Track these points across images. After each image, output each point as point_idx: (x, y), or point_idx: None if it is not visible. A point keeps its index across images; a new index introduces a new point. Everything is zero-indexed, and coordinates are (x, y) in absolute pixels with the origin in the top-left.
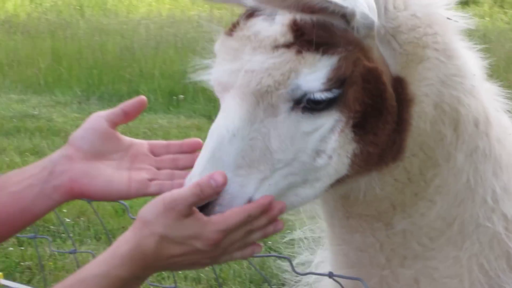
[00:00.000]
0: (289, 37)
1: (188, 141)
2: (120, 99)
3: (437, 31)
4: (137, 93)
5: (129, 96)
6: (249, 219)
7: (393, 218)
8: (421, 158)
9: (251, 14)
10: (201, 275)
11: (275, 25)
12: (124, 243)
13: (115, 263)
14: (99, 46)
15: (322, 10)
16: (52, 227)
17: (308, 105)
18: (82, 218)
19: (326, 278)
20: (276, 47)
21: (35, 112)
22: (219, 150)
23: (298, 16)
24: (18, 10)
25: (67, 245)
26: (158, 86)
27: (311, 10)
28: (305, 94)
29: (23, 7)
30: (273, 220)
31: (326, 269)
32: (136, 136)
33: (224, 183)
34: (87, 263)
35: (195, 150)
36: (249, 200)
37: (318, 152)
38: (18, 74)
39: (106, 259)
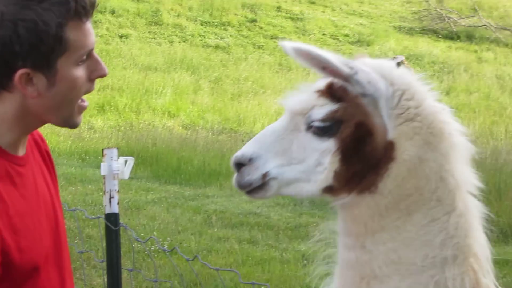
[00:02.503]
0: (322, 88)
1: None
2: None
3: (431, 128)
4: None
5: None
6: None
7: (365, 241)
8: (388, 201)
9: None
10: None
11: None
12: None
13: None
14: None
15: (335, 73)
16: None
17: (315, 129)
18: None
19: None
20: (315, 91)
21: (257, 210)
22: (262, 137)
23: (334, 79)
24: None
25: None
26: None
27: (332, 73)
28: (312, 121)
29: None
30: None
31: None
32: None
33: None
34: None
35: None
36: (266, 173)
37: (318, 162)
38: None
39: None
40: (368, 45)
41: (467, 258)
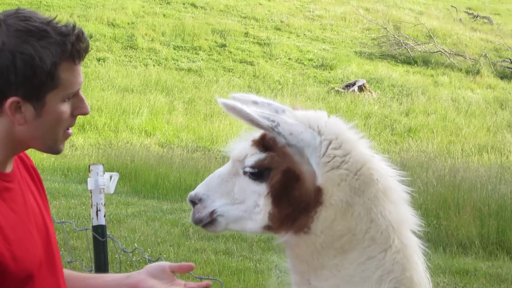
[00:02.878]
0: (256, 138)
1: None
2: None
3: (358, 175)
4: None
5: None
6: None
7: (310, 277)
8: (322, 240)
9: None
10: None
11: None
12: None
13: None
14: None
15: (259, 126)
16: None
17: (249, 174)
18: None
19: None
20: (251, 140)
21: None
22: (210, 180)
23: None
24: None
25: None
26: None
27: (257, 126)
28: (245, 167)
29: None
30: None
31: None
32: None
33: None
34: None
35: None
36: (213, 211)
37: (255, 204)
38: None
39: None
40: (331, 69)
41: None
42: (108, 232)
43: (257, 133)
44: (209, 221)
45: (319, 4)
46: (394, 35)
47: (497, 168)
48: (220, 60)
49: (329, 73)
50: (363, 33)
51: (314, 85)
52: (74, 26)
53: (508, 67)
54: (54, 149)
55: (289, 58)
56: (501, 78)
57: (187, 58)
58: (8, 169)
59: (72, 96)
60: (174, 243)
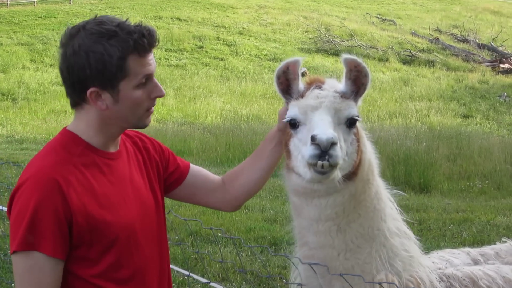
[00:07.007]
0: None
1: None
2: None
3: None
4: None
5: None
6: None
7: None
8: (361, 185)
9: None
10: None
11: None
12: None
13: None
14: None
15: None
16: None
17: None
18: None
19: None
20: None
21: None
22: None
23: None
24: None
25: None
26: None
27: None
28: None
29: None
30: None
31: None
32: None
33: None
34: None
35: None
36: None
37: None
38: None
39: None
40: (281, 61)
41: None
42: None
43: None
44: None
45: (270, 14)
46: (325, 35)
47: (403, 128)
48: (199, 58)
49: (279, 64)
50: (303, 34)
51: (268, 73)
52: (140, 25)
53: (408, 55)
54: (139, 126)
55: (250, 55)
56: (404, 63)
57: (175, 57)
58: (113, 149)
59: (146, 82)
60: None
